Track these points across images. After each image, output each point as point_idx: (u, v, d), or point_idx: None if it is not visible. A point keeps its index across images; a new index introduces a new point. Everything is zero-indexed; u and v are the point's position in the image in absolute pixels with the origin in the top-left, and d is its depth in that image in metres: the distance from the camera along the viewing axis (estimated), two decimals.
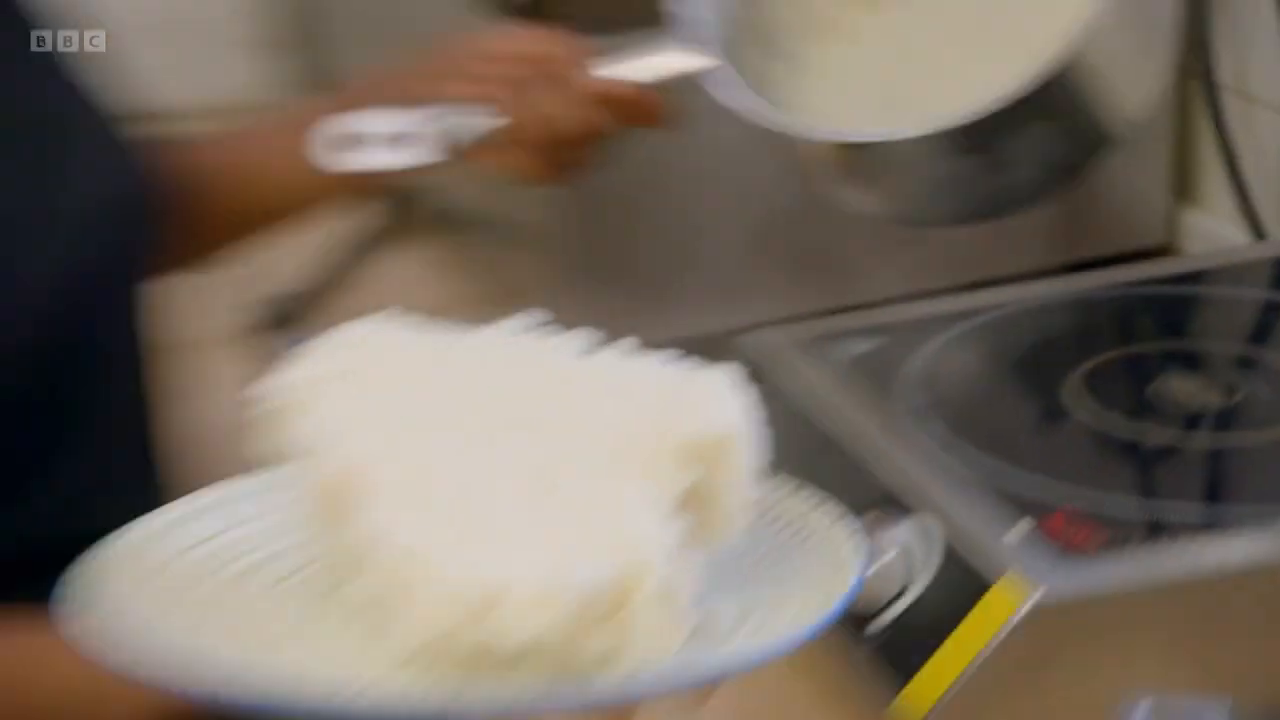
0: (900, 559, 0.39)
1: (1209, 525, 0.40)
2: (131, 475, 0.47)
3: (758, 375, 0.32)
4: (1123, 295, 0.59)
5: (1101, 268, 0.64)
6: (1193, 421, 0.49)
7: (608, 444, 0.25)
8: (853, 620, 0.37)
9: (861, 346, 0.56)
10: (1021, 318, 0.56)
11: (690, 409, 0.25)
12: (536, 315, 0.29)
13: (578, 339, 0.28)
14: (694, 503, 0.25)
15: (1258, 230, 0.67)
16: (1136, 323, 0.60)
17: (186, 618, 0.26)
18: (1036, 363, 0.56)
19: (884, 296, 0.61)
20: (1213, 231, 0.73)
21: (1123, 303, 0.59)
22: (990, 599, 0.35)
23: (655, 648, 0.23)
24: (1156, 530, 0.40)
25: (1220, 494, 0.47)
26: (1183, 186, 0.75)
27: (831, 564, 0.28)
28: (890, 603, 0.38)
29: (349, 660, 0.24)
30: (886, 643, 0.38)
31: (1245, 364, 0.54)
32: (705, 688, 0.26)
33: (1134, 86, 0.47)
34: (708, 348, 0.33)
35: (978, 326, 0.55)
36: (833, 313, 0.60)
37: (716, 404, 0.26)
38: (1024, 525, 0.38)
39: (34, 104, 0.45)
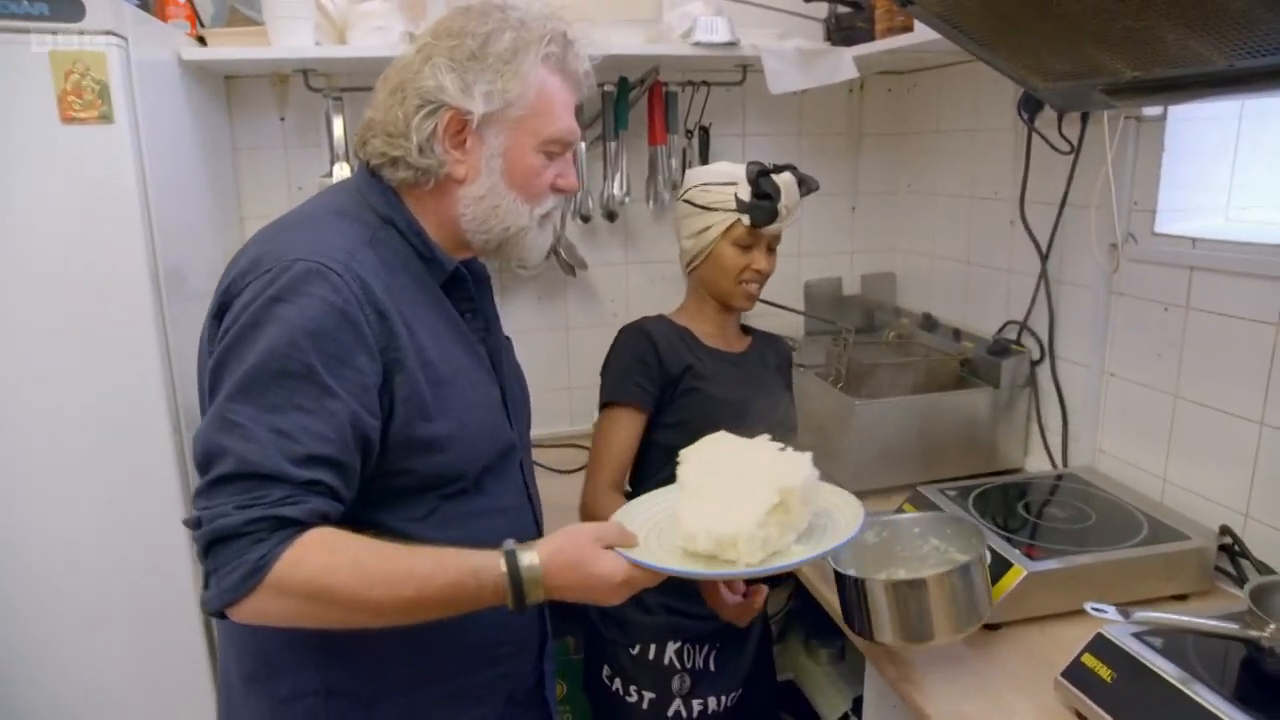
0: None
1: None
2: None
3: None
4: (1004, 484, 1.63)
5: (995, 475, 1.68)
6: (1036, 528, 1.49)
7: (759, 484, 1.00)
8: None
9: None
10: (974, 491, 1.58)
11: (790, 473, 1.01)
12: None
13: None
14: (782, 508, 0.98)
15: (1053, 463, 1.74)
16: (1009, 492, 1.62)
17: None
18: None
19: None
20: (1036, 464, 1.80)
21: (1004, 487, 1.62)
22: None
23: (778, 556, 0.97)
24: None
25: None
26: (1027, 443, 1.83)
27: (849, 519, 1.03)
28: None
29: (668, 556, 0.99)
30: None
31: (1046, 505, 1.56)
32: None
33: None
34: None
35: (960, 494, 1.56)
36: None
37: (795, 473, 1.01)
38: None
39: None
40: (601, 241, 2.23)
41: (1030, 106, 1.65)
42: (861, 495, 1.75)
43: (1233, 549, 1.39)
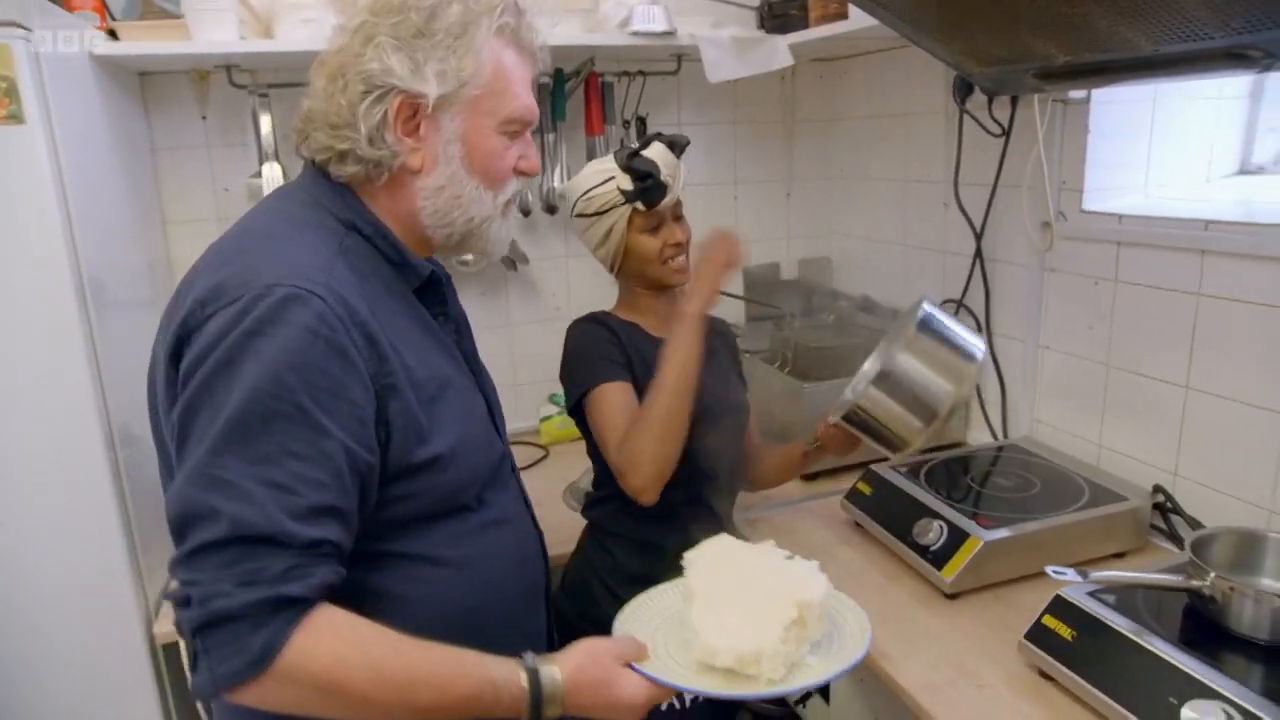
0: None
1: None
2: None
3: None
4: (950, 458, 1.68)
5: (941, 450, 1.74)
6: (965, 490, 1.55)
7: (773, 595, 0.97)
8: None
9: None
10: (923, 467, 1.63)
11: (803, 585, 1.00)
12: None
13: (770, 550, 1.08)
14: (800, 621, 0.96)
15: (994, 435, 1.81)
16: (956, 466, 1.68)
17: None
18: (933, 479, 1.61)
19: None
20: (977, 436, 1.86)
21: (950, 461, 1.68)
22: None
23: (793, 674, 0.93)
24: None
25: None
26: (968, 417, 1.89)
27: (857, 639, 0.98)
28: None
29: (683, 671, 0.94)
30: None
31: (991, 476, 1.63)
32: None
33: None
34: None
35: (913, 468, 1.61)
36: None
37: (815, 587, 0.99)
38: None
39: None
40: (542, 235, 2.21)
41: (962, 90, 1.70)
42: (814, 476, 1.81)
43: (1165, 506, 1.47)
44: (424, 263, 1.00)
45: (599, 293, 2.23)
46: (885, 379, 1.33)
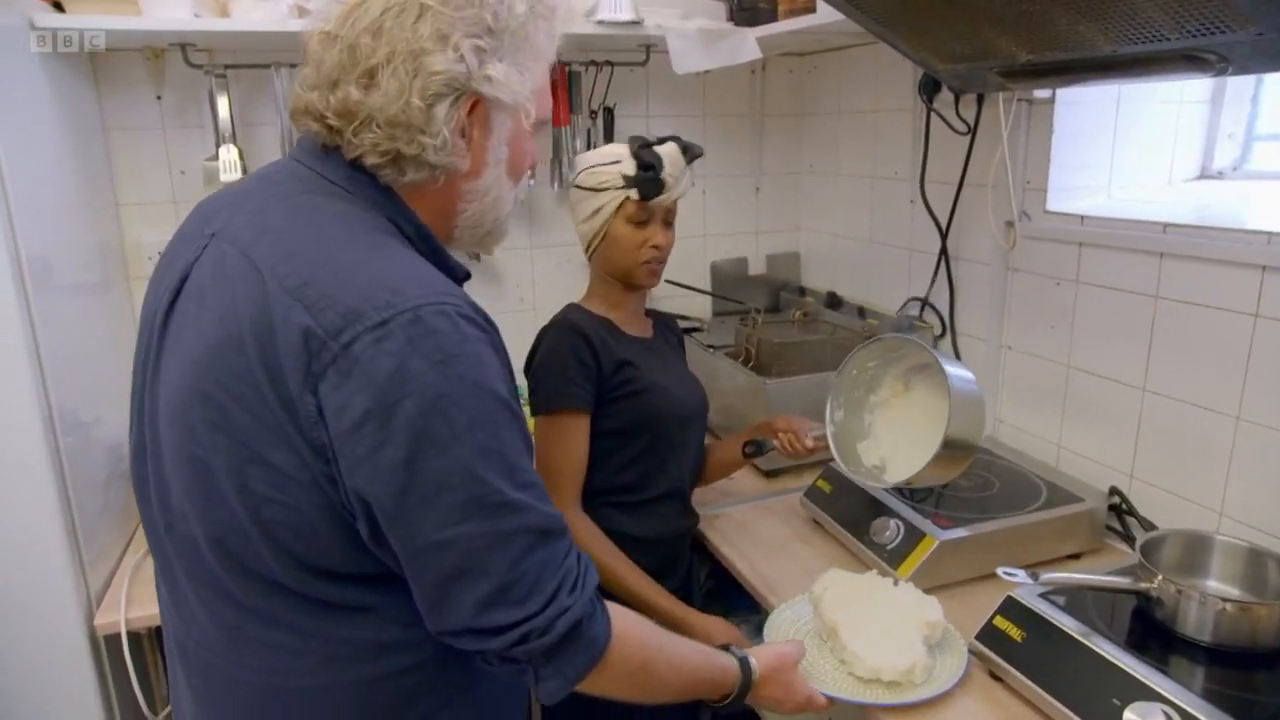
0: None
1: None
2: None
3: None
4: None
5: None
6: None
7: (902, 617, 1.16)
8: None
9: None
10: None
11: (928, 608, 1.17)
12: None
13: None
14: (930, 637, 1.14)
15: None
16: None
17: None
18: None
19: None
20: None
21: None
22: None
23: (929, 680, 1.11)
24: None
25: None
26: None
27: (955, 644, 1.17)
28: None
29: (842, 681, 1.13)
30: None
31: None
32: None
33: None
34: None
35: None
36: None
37: (933, 608, 1.17)
38: None
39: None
40: None
41: (929, 88, 1.70)
42: (776, 474, 1.80)
43: (1121, 508, 1.48)
44: (460, 265, 0.93)
45: (563, 284, 2.22)
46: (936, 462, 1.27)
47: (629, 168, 1.37)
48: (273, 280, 0.76)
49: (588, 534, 1.33)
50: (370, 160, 0.83)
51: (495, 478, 0.76)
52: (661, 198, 1.37)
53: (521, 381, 2.13)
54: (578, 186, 1.42)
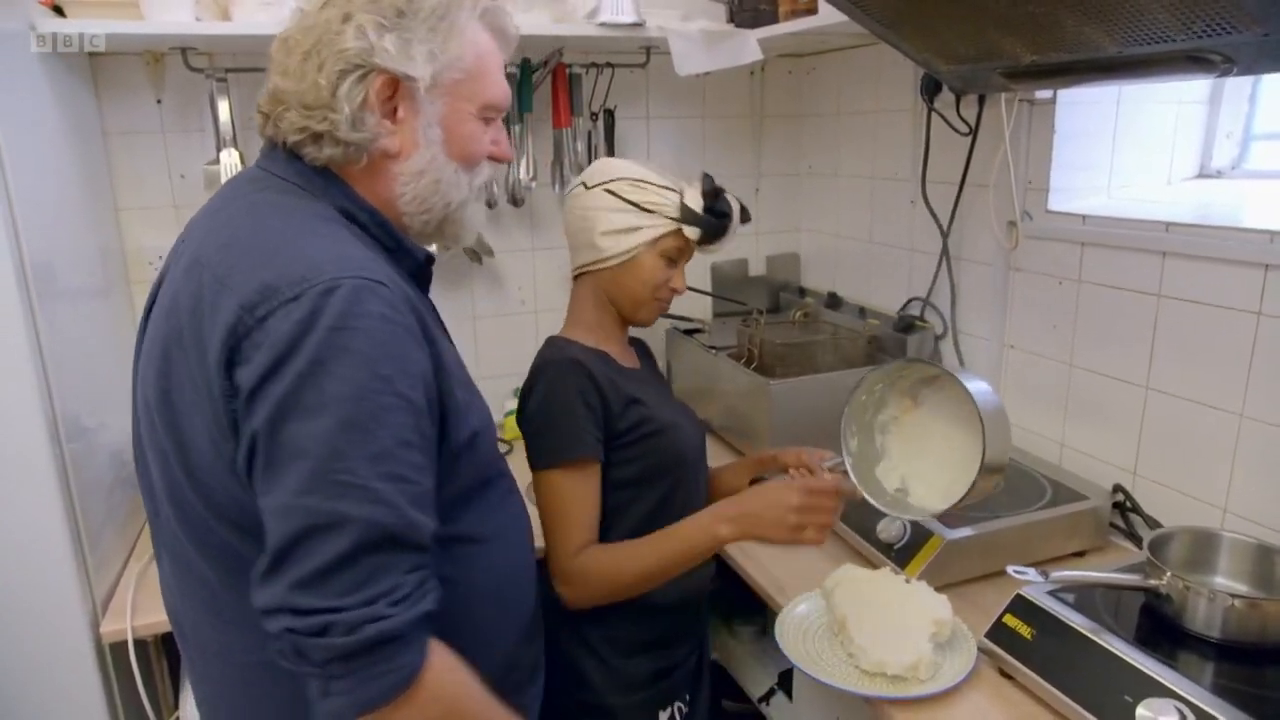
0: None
1: None
2: None
3: None
4: None
5: None
6: None
7: (911, 614, 1.17)
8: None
9: None
10: None
11: (938, 607, 1.17)
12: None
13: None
14: (938, 634, 1.15)
15: None
16: None
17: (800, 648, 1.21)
18: None
19: None
20: None
21: None
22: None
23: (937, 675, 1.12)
24: None
25: None
26: None
27: (965, 641, 1.17)
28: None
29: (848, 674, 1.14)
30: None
31: None
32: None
33: None
34: None
35: None
36: None
37: (943, 606, 1.18)
38: None
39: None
40: (507, 227, 2.18)
41: (930, 88, 1.70)
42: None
43: (1124, 506, 1.48)
44: (419, 246, 0.97)
45: (563, 288, 2.21)
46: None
47: (694, 202, 1.26)
48: (207, 272, 0.80)
49: (609, 560, 1.21)
50: (292, 139, 0.89)
51: (355, 457, 0.73)
52: (713, 246, 1.30)
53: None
54: (611, 193, 1.27)
